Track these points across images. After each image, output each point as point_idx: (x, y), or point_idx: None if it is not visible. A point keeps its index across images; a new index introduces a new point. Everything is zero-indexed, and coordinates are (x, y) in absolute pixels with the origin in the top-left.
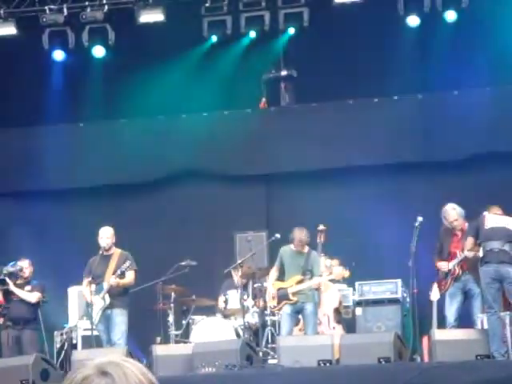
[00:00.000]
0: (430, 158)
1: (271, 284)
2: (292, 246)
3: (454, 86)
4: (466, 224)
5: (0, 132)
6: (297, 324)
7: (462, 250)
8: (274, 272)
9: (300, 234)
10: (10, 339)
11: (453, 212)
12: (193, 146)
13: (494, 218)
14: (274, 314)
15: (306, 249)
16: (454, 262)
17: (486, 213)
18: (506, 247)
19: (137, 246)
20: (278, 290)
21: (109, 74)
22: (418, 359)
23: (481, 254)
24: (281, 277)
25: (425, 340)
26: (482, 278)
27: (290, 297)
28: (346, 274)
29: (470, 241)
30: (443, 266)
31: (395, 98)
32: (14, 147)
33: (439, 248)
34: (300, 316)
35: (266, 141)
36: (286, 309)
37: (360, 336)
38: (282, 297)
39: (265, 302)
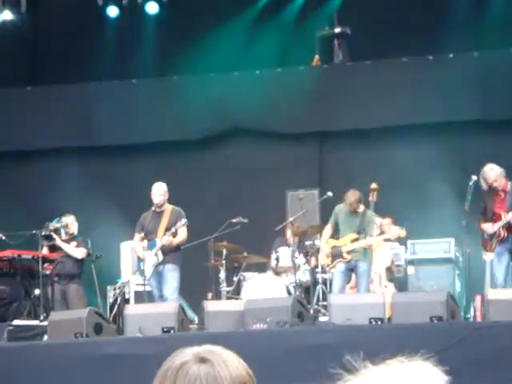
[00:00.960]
0: (484, 117)
1: (325, 242)
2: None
3: (510, 43)
4: (509, 183)
5: (54, 88)
6: (348, 282)
7: (507, 211)
8: (327, 230)
9: (351, 197)
10: (57, 293)
11: (491, 173)
12: (245, 103)
13: None
14: (325, 272)
15: (362, 208)
16: (500, 224)
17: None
18: None
19: (189, 202)
20: (332, 247)
21: (162, 31)
22: (471, 319)
23: None
24: (334, 235)
25: (478, 299)
26: None
27: (344, 255)
28: (403, 233)
29: None
30: (488, 227)
31: (450, 55)
32: (66, 103)
33: (483, 209)
34: (353, 274)
35: (319, 98)
36: (340, 266)
37: (412, 294)
38: (336, 255)
39: (316, 259)
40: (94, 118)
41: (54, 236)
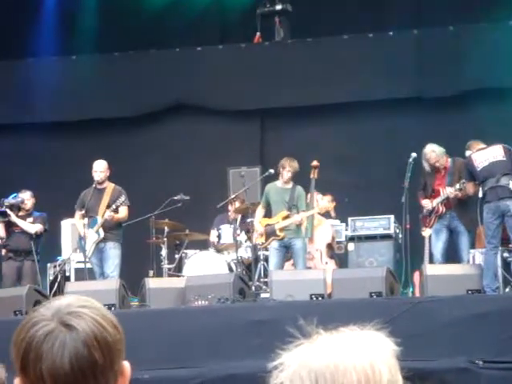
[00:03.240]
0: (424, 95)
1: (258, 221)
2: (277, 183)
3: (449, 22)
4: (449, 160)
5: None
6: (288, 259)
7: (445, 188)
8: (260, 210)
9: (294, 164)
10: (11, 270)
11: (432, 154)
12: (186, 79)
13: (481, 156)
14: (266, 249)
15: (291, 184)
16: (438, 200)
17: (469, 152)
18: (503, 181)
19: (130, 180)
20: (265, 226)
21: (102, 7)
22: (410, 294)
23: (480, 194)
24: (268, 214)
25: (416, 275)
26: (484, 214)
27: (278, 233)
28: (331, 206)
29: (470, 185)
30: (426, 204)
31: (390, 33)
32: (5, 80)
33: (423, 185)
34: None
35: (260, 76)
36: (274, 244)
37: (352, 271)
38: (270, 233)
39: (251, 239)
40: (33, 94)
41: (9, 212)
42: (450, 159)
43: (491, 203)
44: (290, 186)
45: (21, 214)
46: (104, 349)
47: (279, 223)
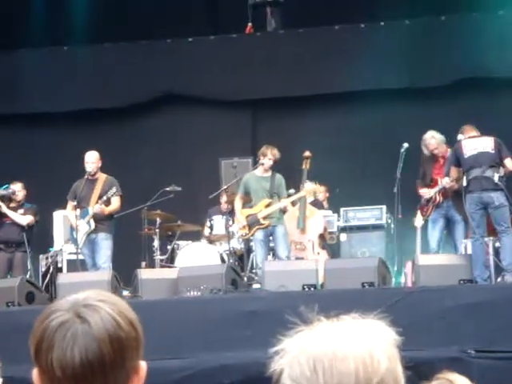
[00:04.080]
0: (416, 85)
1: (239, 212)
2: (256, 172)
3: (441, 12)
4: (449, 150)
5: None
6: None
7: (444, 177)
8: (238, 201)
9: (272, 149)
10: (2, 262)
11: (432, 141)
12: (178, 70)
13: (471, 144)
14: (250, 240)
15: (270, 172)
16: (436, 189)
17: (461, 136)
18: (488, 173)
19: (121, 171)
20: (247, 217)
21: None
22: (402, 284)
23: (464, 182)
24: (248, 205)
25: (408, 265)
26: (467, 205)
27: (261, 221)
28: (318, 189)
29: (453, 171)
30: (425, 192)
31: (382, 23)
32: None
33: (422, 174)
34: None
35: (252, 66)
36: (258, 235)
37: (344, 261)
38: (253, 223)
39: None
40: (24, 85)
41: (0, 203)
42: (449, 150)
43: (474, 193)
44: (269, 174)
45: (12, 205)
46: (115, 345)
47: (262, 211)
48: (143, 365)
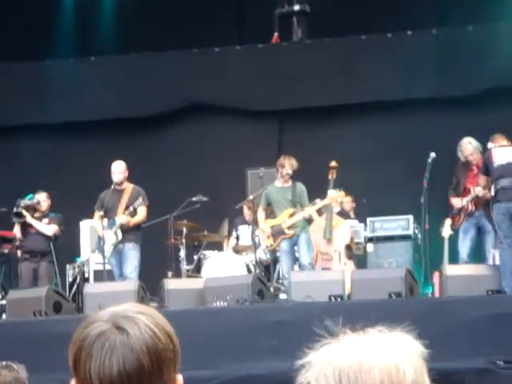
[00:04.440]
0: (443, 94)
1: (263, 222)
2: (276, 183)
3: (468, 21)
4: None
5: (12, 65)
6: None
7: (477, 187)
8: (260, 212)
9: (290, 159)
10: (27, 271)
11: (468, 146)
12: (205, 80)
13: (501, 153)
14: (275, 251)
15: (290, 182)
16: (468, 198)
17: (491, 145)
18: None
19: (148, 181)
20: (271, 227)
21: (121, 8)
22: (429, 294)
23: (492, 192)
24: (271, 216)
25: (436, 276)
26: (495, 215)
27: (286, 231)
28: (341, 194)
29: (482, 179)
30: (457, 202)
31: (409, 33)
32: (25, 81)
33: (455, 183)
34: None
35: (279, 76)
36: (284, 246)
37: (371, 271)
38: (277, 233)
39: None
40: (52, 95)
41: (25, 213)
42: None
43: (502, 203)
44: (290, 184)
45: (36, 215)
46: (153, 356)
47: (286, 221)
48: (180, 378)
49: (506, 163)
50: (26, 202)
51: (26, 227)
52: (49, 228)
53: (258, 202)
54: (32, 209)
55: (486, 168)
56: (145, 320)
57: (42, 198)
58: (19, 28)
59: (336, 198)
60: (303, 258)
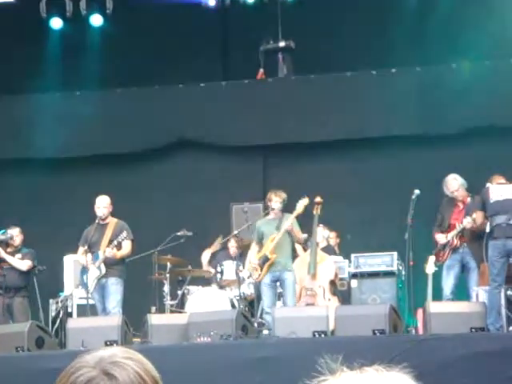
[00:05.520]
0: (428, 132)
1: (254, 256)
2: (268, 217)
3: (452, 59)
4: (469, 198)
5: None
6: (276, 294)
7: (461, 222)
8: (253, 247)
9: (278, 192)
10: (1, 307)
11: (454, 182)
12: (189, 115)
13: (498, 190)
14: (256, 285)
15: (280, 214)
16: (453, 233)
17: (489, 184)
18: None
19: (133, 215)
20: (259, 258)
21: (106, 43)
22: (413, 331)
23: (488, 229)
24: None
25: (420, 312)
26: (490, 252)
27: (268, 256)
28: (305, 201)
29: (479, 215)
30: (441, 238)
31: (393, 70)
32: (8, 114)
33: (440, 220)
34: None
35: (264, 112)
36: (266, 279)
37: (355, 308)
38: (263, 262)
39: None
40: (38, 129)
41: None
42: (469, 197)
43: (498, 241)
44: (279, 215)
45: (9, 250)
46: None
47: (269, 247)
48: None
49: (503, 200)
50: None
51: None
52: (22, 263)
53: (243, 237)
54: (5, 244)
55: (483, 205)
56: (133, 366)
57: (15, 233)
58: (6, 62)
59: (302, 205)
60: (289, 299)
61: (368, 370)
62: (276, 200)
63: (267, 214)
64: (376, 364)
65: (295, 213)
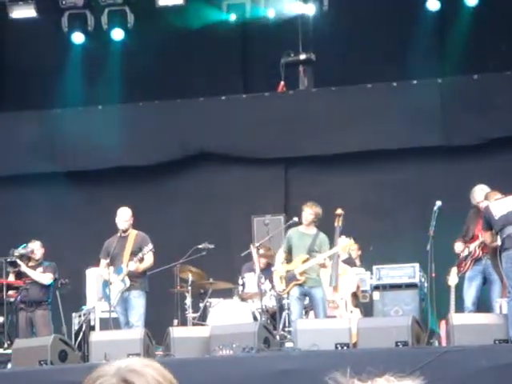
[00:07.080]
0: (449, 143)
1: (280, 264)
2: (300, 228)
3: (472, 70)
4: None
5: (18, 114)
6: (305, 307)
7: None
8: (281, 253)
9: (313, 205)
10: (23, 321)
11: (481, 193)
12: (211, 128)
13: (499, 205)
14: (282, 298)
15: (314, 230)
16: (475, 243)
17: (487, 203)
18: None
19: (155, 228)
20: (286, 272)
21: (127, 57)
22: (436, 343)
23: (499, 241)
24: (289, 259)
25: (442, 324)
26: (504, 263)
27: (298, 277)
28: (351, 243)
29: (488, 234)
30: (458, 246)
31: (414, 82)
32: (32, 130)
33: (465, 230)
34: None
35: (284, 124)
36: (294, 292)
37: (378, 320)
38: (290, 279)
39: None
40: (60, 144)
41: (19, 262)
42: None
43: (510, 251)
44: (314, 231)
45: (30, 264)
46: None
47: (299, 267)
48: None
49: (507, 213)
50: (19, 251)
51: (21, 277)
52: (44, 276)
53: (265, 249)
54: (26, 258)
55: (488, 223)
56: (152, 373)
57: (36, 247)
58: (28, 77)
59: (346, 246)
60: (320, 314)
61: (379, 381)
62: (306, 211)
63: (300, 223)
64: (399, 376)
65: (334, 250)
